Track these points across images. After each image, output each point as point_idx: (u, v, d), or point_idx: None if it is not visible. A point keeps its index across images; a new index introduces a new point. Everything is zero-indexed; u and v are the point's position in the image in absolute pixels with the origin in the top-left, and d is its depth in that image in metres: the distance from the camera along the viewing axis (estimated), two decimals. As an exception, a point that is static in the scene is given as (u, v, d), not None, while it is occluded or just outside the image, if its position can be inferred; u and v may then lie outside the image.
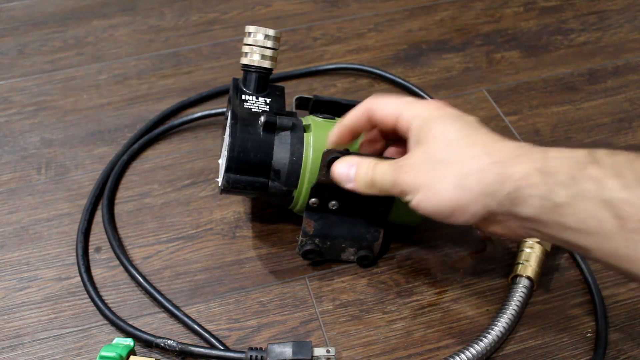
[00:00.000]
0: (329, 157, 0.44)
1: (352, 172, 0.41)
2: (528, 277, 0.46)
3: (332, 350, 0.42)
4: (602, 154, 0.32)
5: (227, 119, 0.50)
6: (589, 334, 0.46)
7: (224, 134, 0.51)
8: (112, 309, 0.47)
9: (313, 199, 0.46)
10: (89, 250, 0.52)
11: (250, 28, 0.48)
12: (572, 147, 0.33)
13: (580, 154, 0.32)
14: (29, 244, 0.53)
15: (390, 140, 0.46)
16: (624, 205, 0.30)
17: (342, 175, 0.41)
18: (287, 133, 0.46)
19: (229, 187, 0.45)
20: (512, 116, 0.63)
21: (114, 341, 0.42)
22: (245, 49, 0.48)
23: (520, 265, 0.47)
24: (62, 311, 0.48)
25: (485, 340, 0.44)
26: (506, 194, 0.33)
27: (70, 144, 0.61)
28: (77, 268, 0.50)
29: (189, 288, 0.49)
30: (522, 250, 0.48)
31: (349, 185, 0.41)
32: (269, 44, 0.48)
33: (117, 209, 0.55)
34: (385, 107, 0.41)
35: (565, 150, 0.33)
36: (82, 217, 0.53)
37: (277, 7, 0.78)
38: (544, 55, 0.69)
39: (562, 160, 0.32)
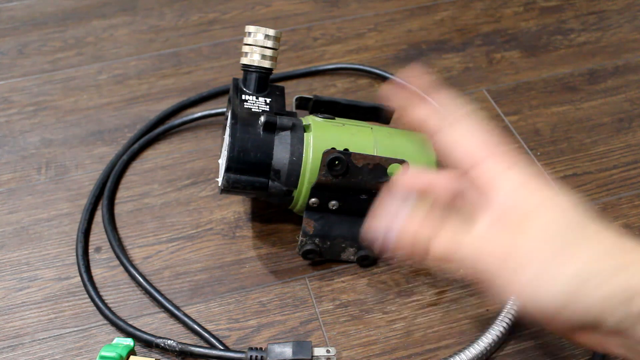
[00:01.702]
0: (329, 157, 0.44)
1: (392, 236, 0.32)
2: (528, 277, 0.46)
3: (332, 350, 0.42)
4: None
5: (227, 119, 0.50)
6: (589, 334, 0.46)
7: (224, 134, 0.51)
8: (112, 309, 0.47)
9: (313, 199, 0.46)
10: (89, 250, 0.52)
11: (250, 28, 0.48)
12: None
13: None
14: (29, 244, 0.53)
15: None
16: None
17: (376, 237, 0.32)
18: (287, 133, 0.46)
19: (229, 187, 0.45)
20: (512, 116, 0.63)
21: (114, 341, 0.42)
22: (245, 48, 0.48)
23: (520, 265, 0.47)
24: (62, 311, 0.48)
25: (485, 340, 0.44)
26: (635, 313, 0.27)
27: (70, 144, 0.61)
28: (77, 268, 0.50)
29: (189, 288, 0.49)
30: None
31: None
32: (269, 44, 0.48)
33: (117, 209, 0.55)
34: (463, 148, 0.33)
35: None
36: (82, 217, 0.53)
37: (277, 7, 0.78)
38: (544, 55, 0.69)
39: None
